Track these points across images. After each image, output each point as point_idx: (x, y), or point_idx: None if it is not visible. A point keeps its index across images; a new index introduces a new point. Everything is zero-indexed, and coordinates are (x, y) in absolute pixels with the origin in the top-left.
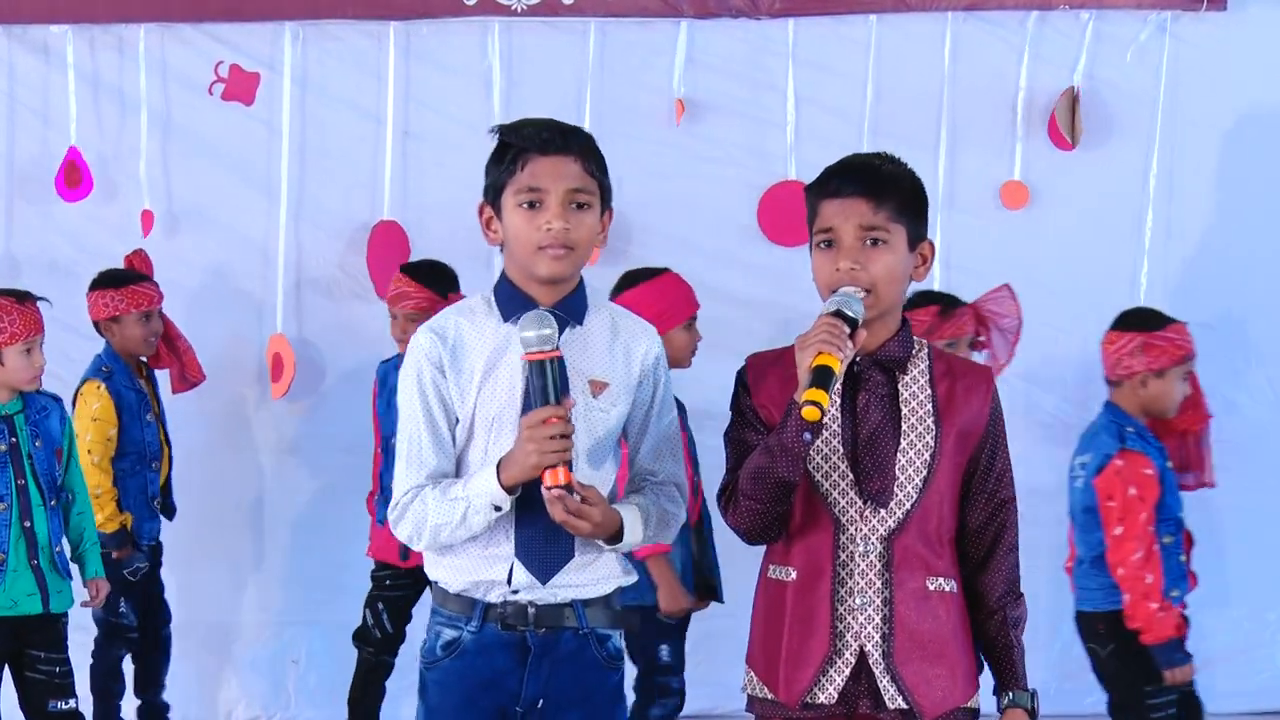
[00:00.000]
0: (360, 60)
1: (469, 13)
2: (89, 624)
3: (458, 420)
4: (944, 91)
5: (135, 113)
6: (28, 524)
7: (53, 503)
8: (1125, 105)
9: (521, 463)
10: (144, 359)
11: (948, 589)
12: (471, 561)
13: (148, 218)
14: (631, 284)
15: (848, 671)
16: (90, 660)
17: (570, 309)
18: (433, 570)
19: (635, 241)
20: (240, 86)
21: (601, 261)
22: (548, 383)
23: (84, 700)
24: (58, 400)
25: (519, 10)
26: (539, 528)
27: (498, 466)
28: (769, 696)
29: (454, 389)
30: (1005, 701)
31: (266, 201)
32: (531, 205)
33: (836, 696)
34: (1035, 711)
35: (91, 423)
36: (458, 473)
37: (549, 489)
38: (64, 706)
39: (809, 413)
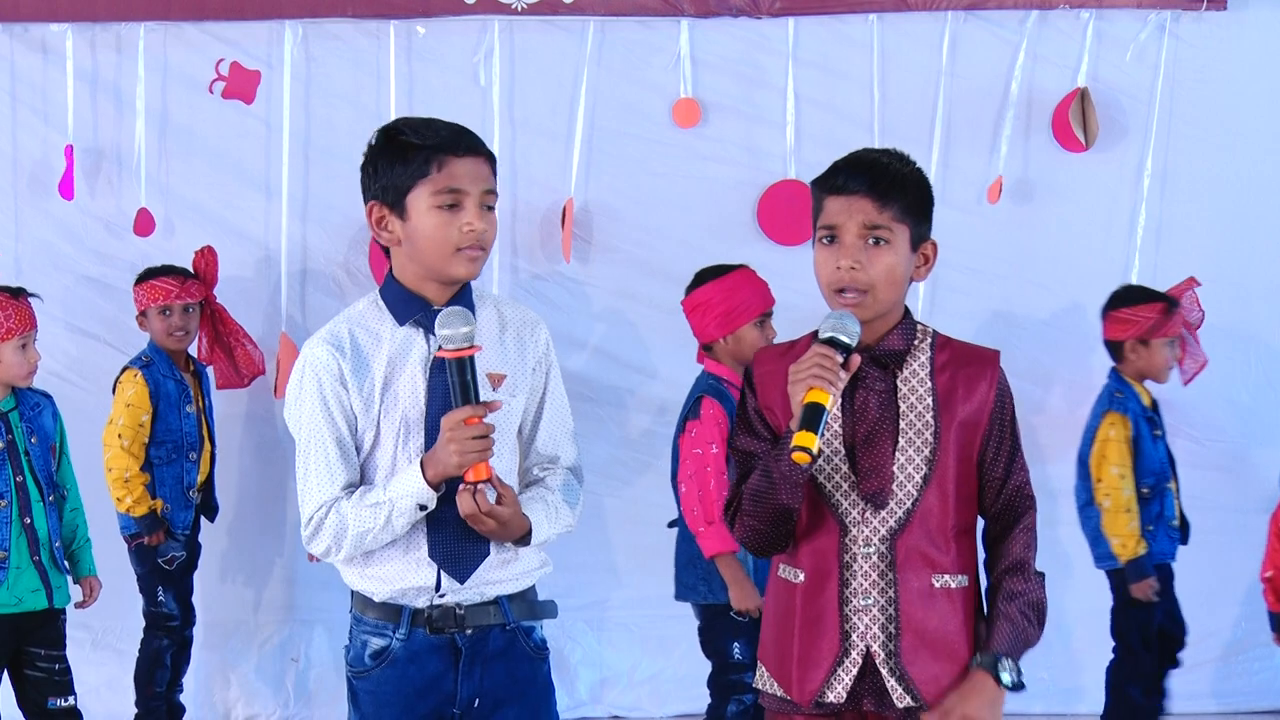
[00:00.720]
0: (360, 59)
1: (469, 11)
2: (89, 623)
3: (358, 428)
4: (943, 91)
5: (135, 111)
6: (28, 520)
7: (50, 498)
8: (1125, 104)
9: (445, 461)
10: (192, 353)
11: (954, 585)
12: (396, 570)
13: (144, 216)
14: (701, 282)
15: (855, 671)
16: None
17: (462, 306)
18: (355, 582)
19: (633, 240)
20: (241, 85)
21: (594, 260)
22: (468, 379)
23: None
24: (48, 397)
25: (519, 9)
26: (452, 529)
27: (422, 465)
28: (781, 694)
29: (356, 398)
30: (973, 663)
31: (267, 200)
32: (451, 206)
33: (845, 696)
34: (1002, 680)
35: (125, 408)
36: (362, 480)
37: (469, 484)
38: (63, 704)
39: (798, 457)
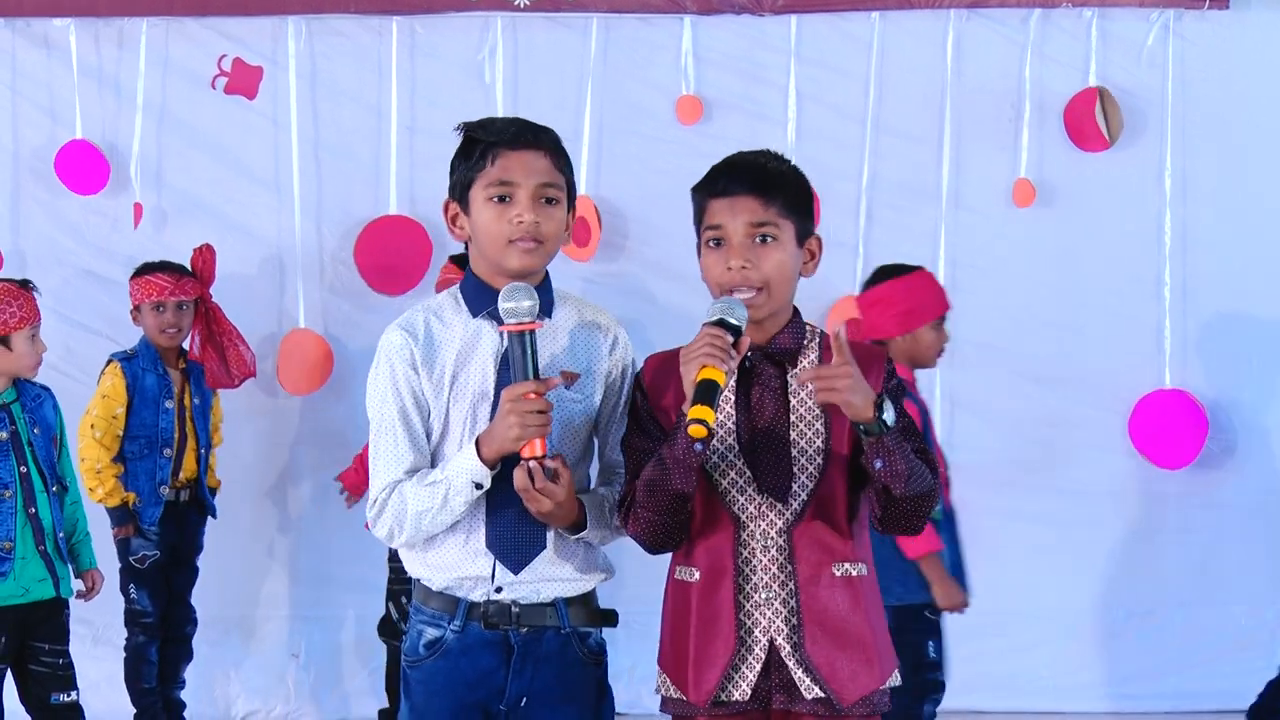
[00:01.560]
0: (363, 55)
1: (472, 7)
2: (90, 618)
3: (429, 414)
4: (946, 89)
5: (137, 106)
6: (32, 510)
7: (54, 489)
8: (1129, 103)
9: (503, 435)
10: (185, 349)
11: (855, 573)
12: (453, 557)
13: (139, 211)
14: (882, 279)
15: (759, 667)
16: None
17: (541, 301)
18: (414, 568)
19: (635, 237)
20: (243, 80)
21: (599, 257)
22: (526, 354)
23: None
24: (48, 390)
25: (522, 5)
26: (511, 518)
27: (477, 443)
28: (680, 696)
29: (427, 385)
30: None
31: (269, 196)
32: (502, 199)
33: (750, 693)
34: (882, 408)
35: (100, 399)
36: (432, 466)
37: (526, 460)
38: (65, 699)
39: (695, 430)
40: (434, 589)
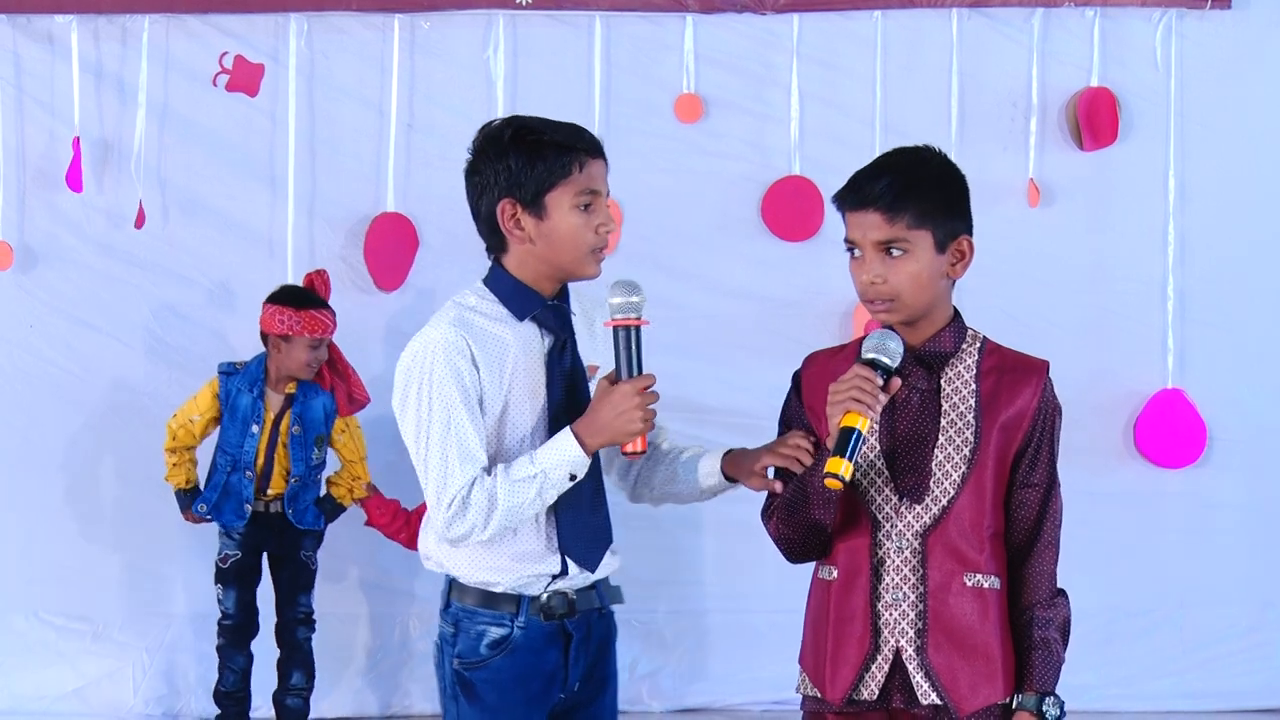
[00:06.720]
0: (365, 53)
1: (473, 5)
2: (90, 615)
3: (484, 411)
4: (950, 88)
5: (139, 104)
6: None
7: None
8: (1130, 103)
9: (619, 428)
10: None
11: (987, 585)
12: (522, 556)
13: (141, 210)
14: None
15: (886, 668)
16: None
17: (565, 301)
18: (475, 574)
19: (637, 235)
20: (244, 78)
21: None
22: (632, 348)
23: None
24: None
25: (524, 3)
26: (581, 516)
27: (577, 435)
28: (817, 695)
29: (486, 380)
30: (1015, 703)
31: (269, 193)
32: (586, 207)
33: (878, 693)
34: (1046, 716)
35: (190, 399)
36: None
37: (632, 454)
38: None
39: (830, 484)
40: (498, 592)
